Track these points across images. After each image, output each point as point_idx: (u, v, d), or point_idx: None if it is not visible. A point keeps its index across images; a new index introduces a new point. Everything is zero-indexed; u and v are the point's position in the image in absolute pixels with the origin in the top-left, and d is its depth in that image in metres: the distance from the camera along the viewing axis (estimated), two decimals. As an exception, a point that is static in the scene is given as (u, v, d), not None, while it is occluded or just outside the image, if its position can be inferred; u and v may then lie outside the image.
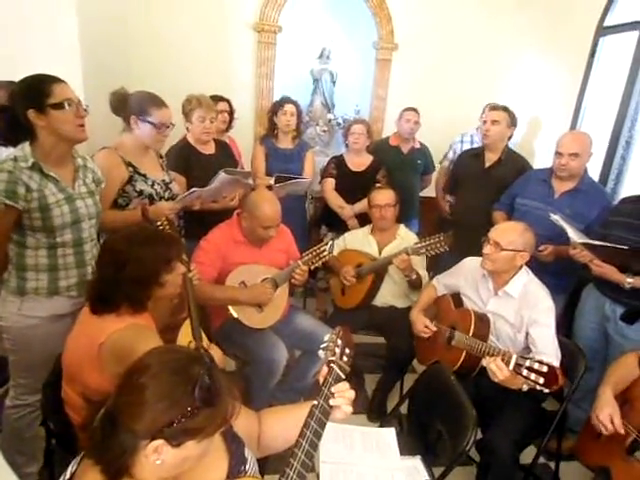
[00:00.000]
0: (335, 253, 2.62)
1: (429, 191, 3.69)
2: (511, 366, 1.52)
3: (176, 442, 0.85)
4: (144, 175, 2.05)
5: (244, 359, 2.25)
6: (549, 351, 1.80)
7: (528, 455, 1.86)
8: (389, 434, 1.53)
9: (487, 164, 2.86)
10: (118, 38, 3.36)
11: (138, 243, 1.37)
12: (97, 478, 0.87)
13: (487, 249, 1.93)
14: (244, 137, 3.59)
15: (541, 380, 1.43)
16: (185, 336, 1.63)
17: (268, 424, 1.21)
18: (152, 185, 2.07)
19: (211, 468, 1.00)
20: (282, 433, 1.18)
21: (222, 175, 2.27)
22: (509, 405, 1.81)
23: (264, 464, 1.43)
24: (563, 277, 2.38)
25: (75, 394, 1.32)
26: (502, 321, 1.96)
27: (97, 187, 1.75)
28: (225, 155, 2.75)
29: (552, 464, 2.14)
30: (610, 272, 1.99)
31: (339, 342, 1.19)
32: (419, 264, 2.55)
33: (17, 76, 1.53)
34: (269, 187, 2.77)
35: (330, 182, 3.13)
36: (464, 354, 1.90)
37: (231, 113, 3.17)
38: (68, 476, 0.93)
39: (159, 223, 1.85)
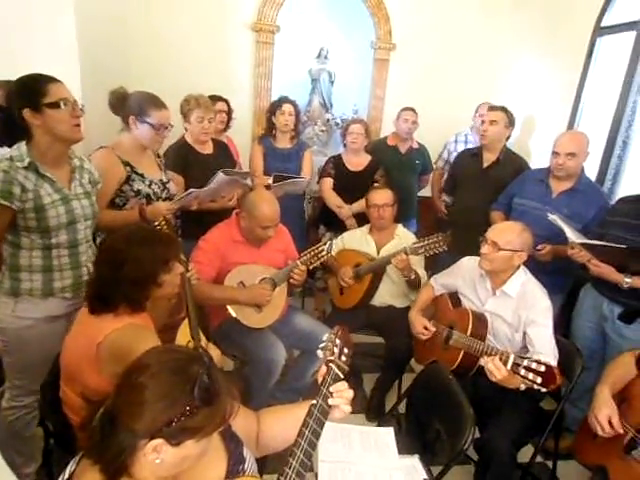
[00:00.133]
0: (333, 253, 2.62)
1: (427, 191, 3.70)
2: (509, 366, 1.53)
3: (175, 441, 0.85)
4: (142, 175, 2.04)
5: (243, 359, 2.25)
6: (546, 350, 1.80)
7: (526, 454, 1.87)
8: (387, 433, 1.53)
9: (485, 164, 2.86)
10: (116, 38, 3.36)
11: (136, 243, 1.37)
12: (96, 477, 0.87)
13: (485, 249, 1.93)
14: (242, 137, 3.59)
15: (539, 379, 1.43)
16: (183, 336, 1.63)
17: (267, 424, 1.21)
18: (149, 185, 2.07)
19: (210, 467, 1.01)
20: (281, 433, 1.18)
21: (220, 175, 2.27)
22: (507, 404, 1.82)
23: (263, 463, 1.43)
24: (560, 277, 2.38)
25: (74, 394, 1.32)
26: (500, 321, 1.96)
27: (93, 188, 1.74)
28: (223, 155, 2.75)
29: (549, 463, 2.15)
30: (608, 272, 2.00)
31: (337, 342, 1.19)
32: (417, 264, 2.55)
33: (15, 75, 1.53)
34: (267, 186, 2.78)
35: (328, 182, 3.13)
36: (462, 354, 1.90)
37: (229, 113, 3.18)
38: (67, 476, 0.93)
39: (157, 223, 1.85)
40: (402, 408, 1.94)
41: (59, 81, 1.52)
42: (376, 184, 2.97)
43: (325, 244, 2.26)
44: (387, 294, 2.65)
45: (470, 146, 3.47)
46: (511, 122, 2.83)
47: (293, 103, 3.06)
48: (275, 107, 3.06)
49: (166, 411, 0.85)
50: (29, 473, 1.80)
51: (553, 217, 2.14)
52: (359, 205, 2.97)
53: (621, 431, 1.53)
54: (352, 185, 3.05)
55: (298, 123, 3.14)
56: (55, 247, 1.59)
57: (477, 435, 1.67)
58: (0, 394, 1.78)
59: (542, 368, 1.43)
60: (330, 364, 1.14)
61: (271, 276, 2.19)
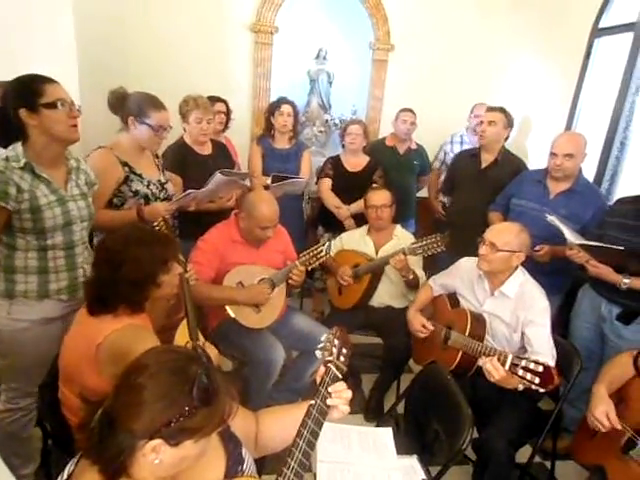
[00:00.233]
0: (332, 253, 2.63)
1: (425, 192, 3.71)
2: (507, 366, 1.53)
3: (174, 441, 0.85)
4: (140, 175, 2.04)
5: (241, 359, 2.25)
6: (544, 351, 1.81)
7: (524, 454, 1.87)
8: (386, 434, 1.54)
9: (483, 165, 2.87)
10: (115, 38, 3.36)
11: (135, 244, 1.37)
12: (95, 478, 0.87)
13: (483, 250, 1.94)
14: (241, 137, 3.59)
15: (537, 380, 1.44)
16: (182, 336, 1.62)
17: (265, 424, 1.21)
18: (148, 185, 2.07)
19: (208, 468, 1.01)
20: (279, 433, 1.18)
21: (218, 176, 2.27)
22: (505, 404, 1.82)
23: (261, 464, 1.43)
24: (558, 277, 2.39)
25: (72, 395, 1.32)
26: (498, 321, 1.97)
27: (90, 189, 1.73)
28: (222, 156, 2.75)
29: (548, 463, 2.15)
30: (606, 273, 2.00)
31: (336, 342, 1.20)
32: (416, 264, 2.55)
33: (13, 75, 1.52)
34: (266, 187, 2.78)
35: (327, 182, 3.13)
36: (460, 354, 1.91)
37: (228, 114, 3.18)
38: (65, 476, 0.93)
39: (155, 223, 1.85)
40: (400, 408, 1.94)
41: (56, 81, 1.51)
42: (374, 185, 2.97)
43: (324, 245, 2.27)
44: (386, 294, 2.65)
45: (466, 147, 3.48)
46: (509, 123, 2.83)
47: (292, 104, 3.06)
48: (274, 108, 3.06)
49: (165, 411, 0.85)
50: (27, 474, 1.79)
51: (551, 218, 2.14)
52: (357, 206, 2.98)
53: (618, 426, 1.54)
54: (350, 186, 3.05)
55: (297, 124, 3.14)
56: (51, 248, 1.58)
57: (475, 435, 1.68)
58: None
59: (540, 368, 1.44)
60: (329, 364, 1.14)
61: (270, 277, 2.19)
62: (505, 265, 1.93)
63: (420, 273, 2.56)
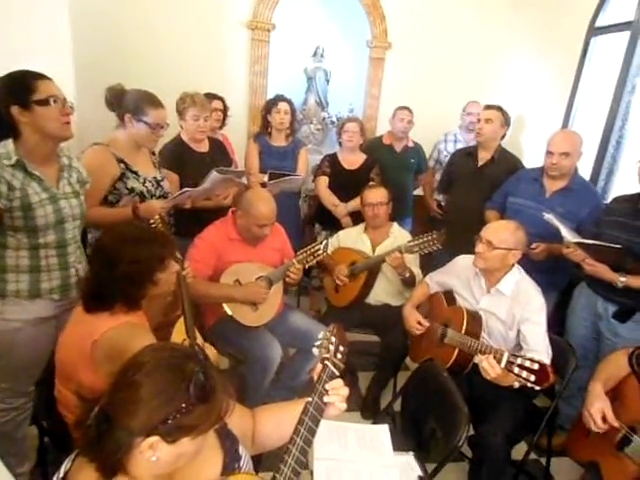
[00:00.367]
0: (329, 251, 2.63)
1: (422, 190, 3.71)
2: (503, 364, 1.54)
3: (171, 439, 0.85)
4: (136, 172, 2.03)
5: (238, 357, 2.25)
6: (540, 348, 1.82)
7: (519, 451, 1.88)
8: (383, 431, 1.54)
9: (480, 163, 2.87)
10: (112, 35, 3.34)
11: (132, 241, 1.36)
12: (92, 475, 0.87)
13: (479, 247, 1.94)
14: (238, 135, 3.58)
15: (532, 377, 1.45)
16: (179, 334, 1.63)
17: (262, 421, 1.21)
18: (143, 183, 2.06)
19: (205, 465, 1.01)
20: (276, 430, 1.18)
21: (214, 174, 2.26)
22: (501, 402, 1.83)
23: (258, 461, 1.44)
24: (555, 275, 2.39)
25: (69, 392, 1.31)
26: (494, 319, 1.98)
27: (82, 187, 1.71)
28: (219, 153, 2.74)
29: (543, 460, 2.17)
30: (603, 271, 2.01)
31: (333, 340, 1.20)
32: (412, 262, 2.56)
33: (6, 71, 1.49)
34: (263, 184, 2.77)
35: (324, 180, 3.13)
36: (457, 352, 1.91)
37: (225, 111, 3.17)
38: (62, 474, 0.92)
39: (152, 221, 1.84)
40: (397, 406, 1.95)
41: (48, 78, 1.49)
42: (371, 183, 2.97)
43: (321, 243, 2.26)
44: (382, 292, 2.66)
45: (460, 145, 3.49)
46: (506, 121, 2.84)
47: (289, 101, 3.06)
48: (271, 105, 3.05)
49: (162, 408, 0.85)
50: (23, 472, 1.79)
51: (549, 216, 2.15)
52: (354, 203, 2.98)
53: (616, 424, 1.54)
54: (347, 183, 3.05)
55: (294, 121, 3.14)
56: (43, 247, 1.56)
57: (472, 432, 1.68)
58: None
59: (535, 366, 1.45)
60: (326, 362, 1.15)
61: (267, 274, 2.19)
62: (501, 263, 1.94)
63: (417, 271, 2.56)
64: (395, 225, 2.76)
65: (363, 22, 3.87)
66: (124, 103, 1.98)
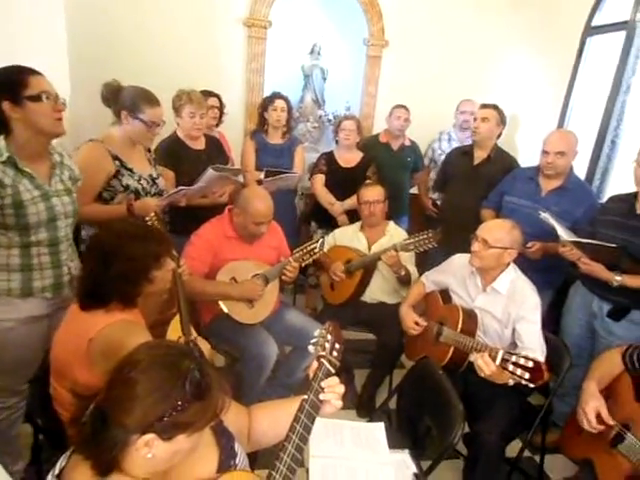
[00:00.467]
0: (325, 249, 2.63)
1: (418, 188, 3.72)
2: (498, 361, 1.55)
3: (167, 436, 0.85)
4: (131, 170, 2.02)
5: (234, 355, 2.25)
6: (535, 347, 1.83)
7: (514, 449, 1.89)
8: (378, 429, 1.55)
9: (476, 162, 2.88)
10: (107, 31, 3.31)
11: (128, 239, 1.36)
12: (87, 473, 0.87)
13: (475, 246, 1.95)
14: (234, 132, 3.57)
15: (527, 375, 1.45)
16: (174, 331, 1.62)
17: (258, 419, 1.21)
18: (139, 180, 2.05)
19: (201, 462, 1.01)
20: (272, 427, 1.18)
21: (210, 172, 2.25)
22: (496, 399, 1.84)
23: (254, 458, 1.44)
24: (550, 274, 2.40)
25: (64, 390, 1.31)
26: (489, 317, 1.98)
27: (74, 185, 1.68)
28: (216, 150, 2.73)
29: (537, 457, 2.18)
30: (598, 270, 2.01)
31: (329, 337, 1.20)
32: (408, 260, 2.56)
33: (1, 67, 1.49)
34: (259, 182, 2.77)
35: (320, 178, 3.13)
36: (452, 350, 1.92)
37: (221, 108, 3.16)
38: (57, 471, 0.92)
39: (147, 218, 1.83)
40: (393, 404, 1.96)
41: (40, 73, 1.47)
42: (368, 181, 2.98)
43: (318, 241, 2.26)
44: (378, 290, 2.66)
45: (454, 144, 3.49)
46: (502, 120, 2.85)
47: (285, 99, 3.05)
48: (267, 103, 3.05)
49: (157, 406, 0.85)
50: (17, 470, 1.78)
51: (545, 215, 2.15)
52: (351, 202, 2.98)
53: (611, 422, 1.55)
54: (344, 181, 3.05)
55: (290, 119, 3.14)
56: (35, 245, 1.54)
57: (466, 430, 1.69)
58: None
59: (530, 364, 1.46)
60: (321, 359, 1.15)
61: (263, 272, 2.19)
62: (497, 262, 1.95)
63: (412, 269, 2.57)
64: (391, 223, 2.76)
65: (360, 20, 3.86)
66: (120, 99, 1.97)
